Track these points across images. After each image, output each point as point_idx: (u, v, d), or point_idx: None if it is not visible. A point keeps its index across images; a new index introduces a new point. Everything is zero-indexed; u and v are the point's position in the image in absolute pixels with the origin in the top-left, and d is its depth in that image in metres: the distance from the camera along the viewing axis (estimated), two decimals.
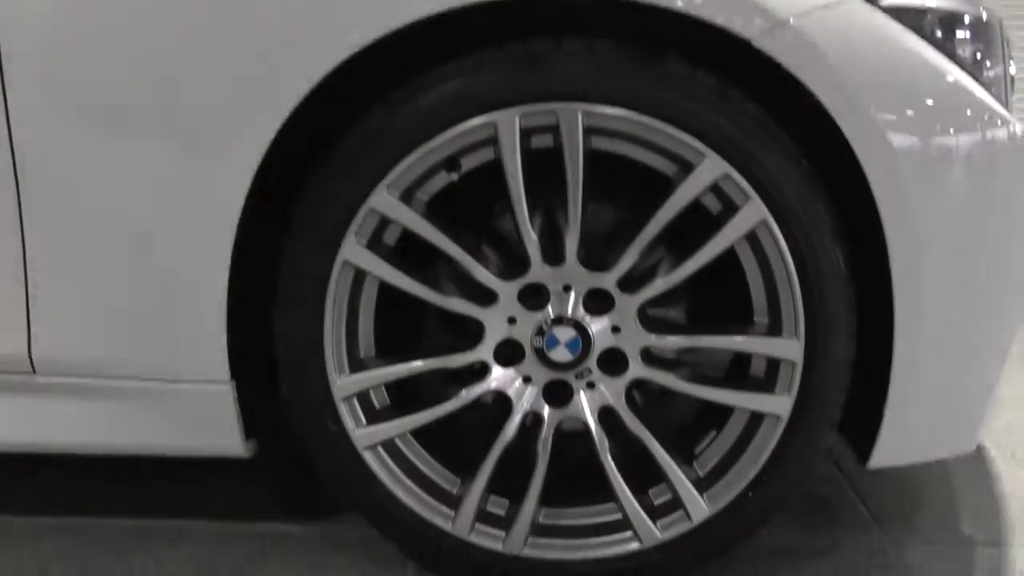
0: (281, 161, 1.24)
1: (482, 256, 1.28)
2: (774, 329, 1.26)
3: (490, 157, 1.25)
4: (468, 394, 1.31)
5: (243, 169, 1.22)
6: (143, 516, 1.62)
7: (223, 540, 1.54)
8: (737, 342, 1.29)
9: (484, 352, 1.30)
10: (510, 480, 1.36)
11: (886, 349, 1.26)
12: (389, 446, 1.35)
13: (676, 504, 1.34)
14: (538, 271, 1.26)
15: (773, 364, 1.28)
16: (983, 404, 1.37)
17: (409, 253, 1.31)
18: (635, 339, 1.28)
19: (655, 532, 1.33)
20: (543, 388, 1.32)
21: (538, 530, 1.36)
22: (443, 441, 1.41)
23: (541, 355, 1.28)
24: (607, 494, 1.35)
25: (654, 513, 1.35)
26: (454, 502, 1.36)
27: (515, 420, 1.32)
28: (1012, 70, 1.43)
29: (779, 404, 1.27)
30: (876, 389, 1.29)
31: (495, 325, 1.29)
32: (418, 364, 1.31)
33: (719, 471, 1.34)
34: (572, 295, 1.28)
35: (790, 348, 1.25)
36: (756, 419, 1.31)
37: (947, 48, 1.26)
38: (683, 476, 1.31)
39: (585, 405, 1.32)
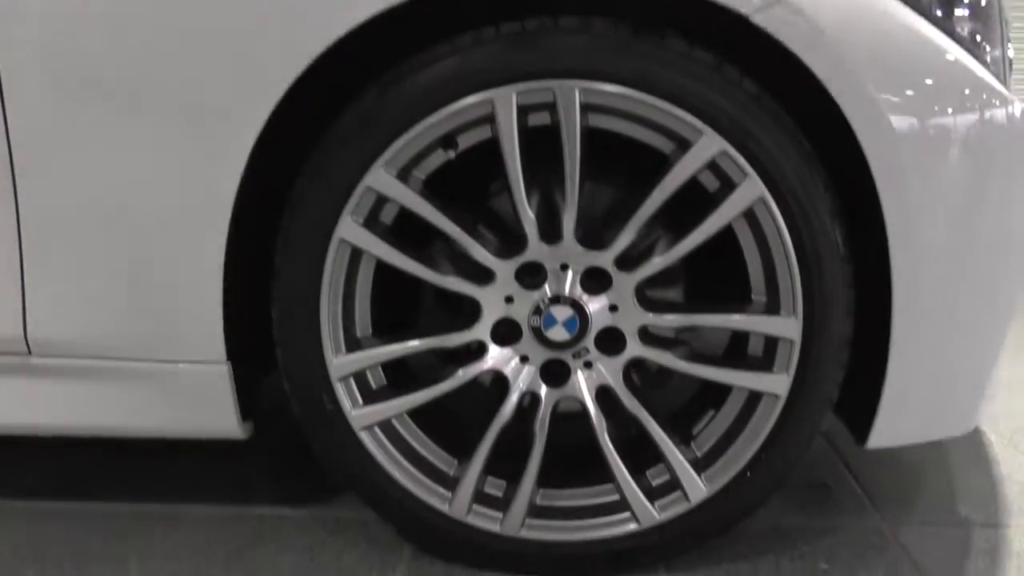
0: (278, 141, 1.24)
1: (479, 235, 1.27)
2: (772, 307, 1.26)
3: (487, 135, 1.25)
4: (465, 374, 1.31)
5: (239, 148, 1.21)
6: (139, 500, 1.61)
7: (220, 523, 1.53)
8: (735, 320, 1.28)
9: (481, 331, 1.30)
10: (507, 462, 1.36)
11: (884, 329, 1.26)
12: (386, 427, 1.35)
13: (674, 485, 1.33)
14: (535, 250, 1.26)
15: (771, 343, 1.28)
16: (981, 384, 1.36)
17: (406, 233, 1.30)
18: (633, 318, 1.28)
19: (653, 513, 1.33)
20: (540, 368, 1.32)
21: (535, 511, 1.36)
22: (440, 422, 1.41)
23: (538, 334, 1.28)
24: (605, 475, 1.35)
25: (652, 494, 1.35)
26: (451, 483, 1.36)
27: (512, 400, 1.31)
28: (1011, 52, 1.43)
29: (777, 383, 1.27)
30: (874, 369, 1.29)
31: (492, 304, 1.29)
32: (415, 343, 1.30)
33: (717, 451, 1.34)
34: (569, 274, 1.27)
35: (788, 326, 1.24)
36: (754, 398, 1.30)
37: (946, 27, 1.25)
38: (681, 456, 1.31)
39: (582, 385, 1.31)
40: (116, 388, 1.34)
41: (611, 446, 1.32)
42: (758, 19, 1.15)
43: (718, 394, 1.35)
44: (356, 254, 1.28)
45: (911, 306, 1.24)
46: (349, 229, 1.24)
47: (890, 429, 1.32)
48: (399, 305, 1.40)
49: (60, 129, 1.24)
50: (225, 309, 1.28)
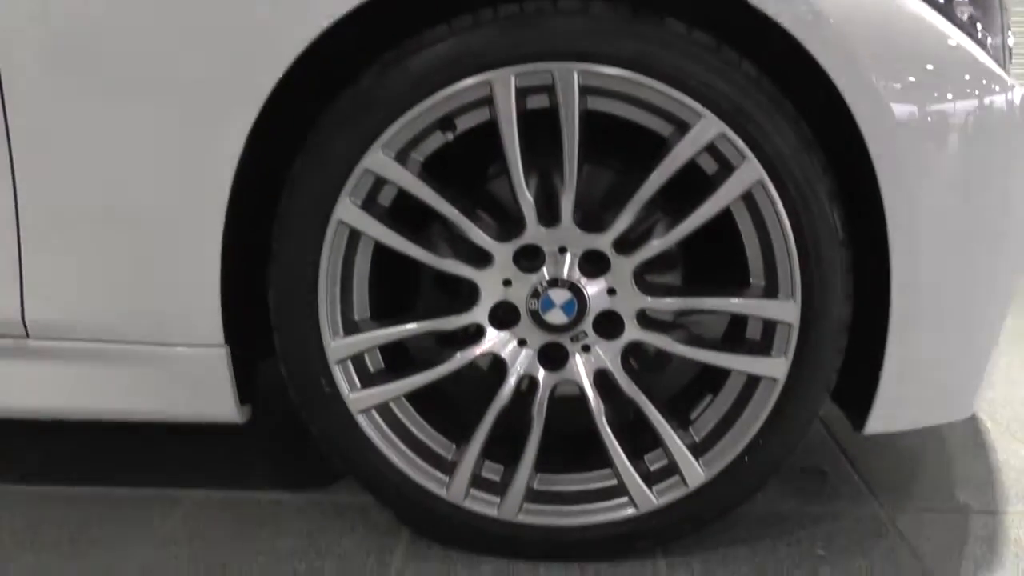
0: (276, 123, 1.24)
1: (477, 218, 1.27)
2: (770, 291, 1.26)
3: (486, 118, 1.25)
4: (463, 357, 1.31)
5: (237, 130, 1.21)
6: (137, 484, 1.62)
7: (218, 507, 1.53)
8: (733, 304, 1.28)
9: (479, 314, 1.30)
10: (505, 446, 1.36)
11: (882, 314, 1.26)
12: (384, 410, 1.35)
13: (672, 469, 1.34)
14: (533, 232, 1.26)
15: (769, 326, 1.28)
16: (979, 370, 1.36)
17: (405, 216, 1.30)
18: (631, 301, 1.28)
19: (651, 498, 1.33)
20: (538, 351, 1.32)
21: (533, 496, 1.36)
22: (438, 407, 1.41)
23: (536, 317, 1.28)
24: (602, 460, 1.35)
25: (650, 479, 1.35)
26: (449, 467, 1.36)
27: (510, 383, 1.31)
28: (1010, 41, 1.43)
29: (775, 367, 1.27)
30: (872, 355, 1.29)
31: (490, 287, 1.29)
32: (413, 326, 1.30)
33: (715, 436, 1.34)
34: (568, 257, 1.27)
35: (786, 310, 1.24)
36: (752, 382, 1.30)
37: (947, 12, 1.25)
38: (679, 441, 1.31)
39: (580, 368, 1.31)
40: (114, 371, 1.34)
41: (609, 430, 1.32)
42: (759, 3, 1.15)
43: (716, 379, 1.35)
44: (354, 236, 1.28)
45: (909, 291, 1.24)
46: (347, 211, 1.24)
47: (887, 415, 1.32)
48: (397, 289, 1.39)
49: (57, 113, 1.23)
50: (223, 292, 1.28)
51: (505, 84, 1.19)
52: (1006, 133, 1.26)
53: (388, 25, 1.24)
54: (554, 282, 1.27)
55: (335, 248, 1.26)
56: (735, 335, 1.36)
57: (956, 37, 1.23)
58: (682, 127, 1.21)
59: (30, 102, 1.23)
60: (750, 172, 1.20)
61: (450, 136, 1.26)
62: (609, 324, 1.29)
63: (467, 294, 1.31)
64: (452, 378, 1.34)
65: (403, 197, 1.27)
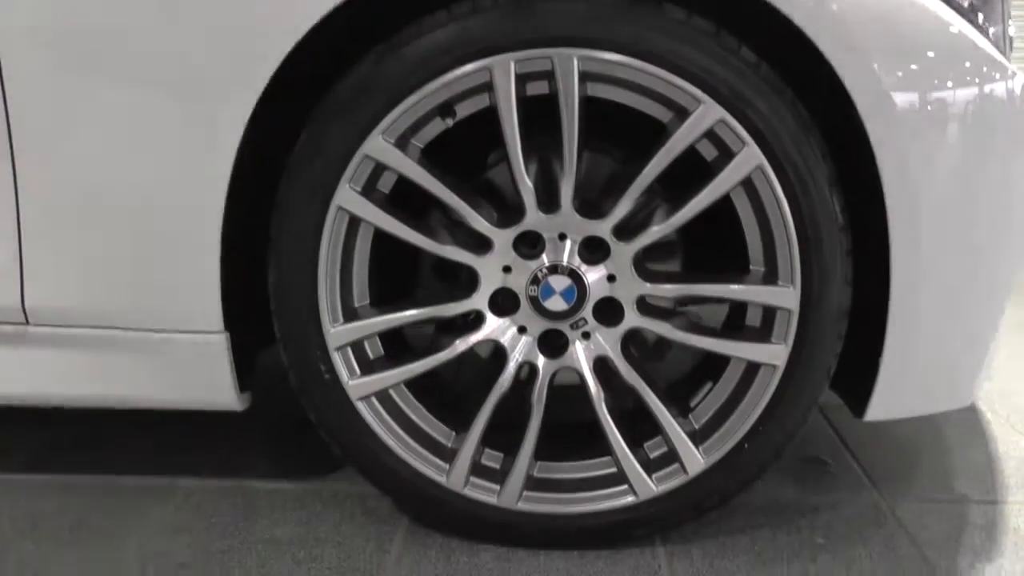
0: (275, 109, 1.24)
1: (477, 204, 1.27)
2: (770, 277, 1.26)
3: (485, 104, 1.25)
4: (462, 344, 1.31)
5: (236, 116, 1.21)
6: (136, 473, 1.62)
7: (216, 496, 1.54)
8: (733, 290, 1.28)
9: (479, 301, 1.30)
10: (505, 434, 1.36)
11: (882, 301, 1.26)
12: (383, 398, 1.35)
13: (672, 457, 1.34)
14: (533, 218, 1.26)
15: (769, 313, 1.28)
16: (979, 358, 1.36)
17: (404, 204, 1.30)
18: (631, 288, 1.28)
19: (651, 485, 1.33)
20: (538, 338, 1.32)
21: (533, 484, 1.36)
22: (438, 395, 1.41)
23: (536, 304, 1.28)
24: (602, 448, 1.35)
25: (649, 466, 1.35)
26: (448, 455, 1.36)
27: (509, 370, 1.31)
28: (1011, 30, 1.43)
29: (775, 353, 1.27)
30: (872, 342, 1.29)
31: (490, 274, 1.29)
32: (412, 313, 1.30)
33: (715, 423, 1.34)
34: (568, 243, 1.27)
35: (786, 296, 1.24)
36: (752, 369, 1.30)
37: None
38: (679, 428, 1.31)
39: (580, 355, 1.31)
40: (113, 358, 1.34)
41: (609, 417, 1.32)
42: None
43: (716, 366, 1.35)
44: (354, 223, 1.28)
45: (909, 277, 1.24)
46: (347, 197, 1.24)
47: (888, 402, 1.32)
48: (396, 276, 1.40)
49: (57, 100, 1.23)
50: (223, 279, 1.28)
51: (505, 70, 1.19)
52: (1007, 120, 1.26)
53: (388, 12, 1.24)
54: (554, 268, 1.27)
55: (334, 234, 1.26)
56: (735, 323, 1.36)
57: (957, 24, 1.22)
58: (681, 113, 1.21)
59: (31, 90, 1.23)
60: (750, 158, 1.20)
61: (450, 122, 1.26)
62: (609, 311, 1.29)
63: (466, 281, 1.31)
64: (452, 366, 1.34)
65: (403, 184, 1.27)
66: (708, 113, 1.18)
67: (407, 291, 1.51)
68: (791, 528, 1.44)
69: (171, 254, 1.28)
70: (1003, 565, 1.34)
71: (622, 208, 1.24)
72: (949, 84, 1.21)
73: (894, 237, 1.22)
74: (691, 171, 1.24)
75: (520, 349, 1.32)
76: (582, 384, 1.33)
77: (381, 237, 1.30)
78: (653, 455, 1.36)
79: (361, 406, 1.32)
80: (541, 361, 1.32)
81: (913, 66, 1.20)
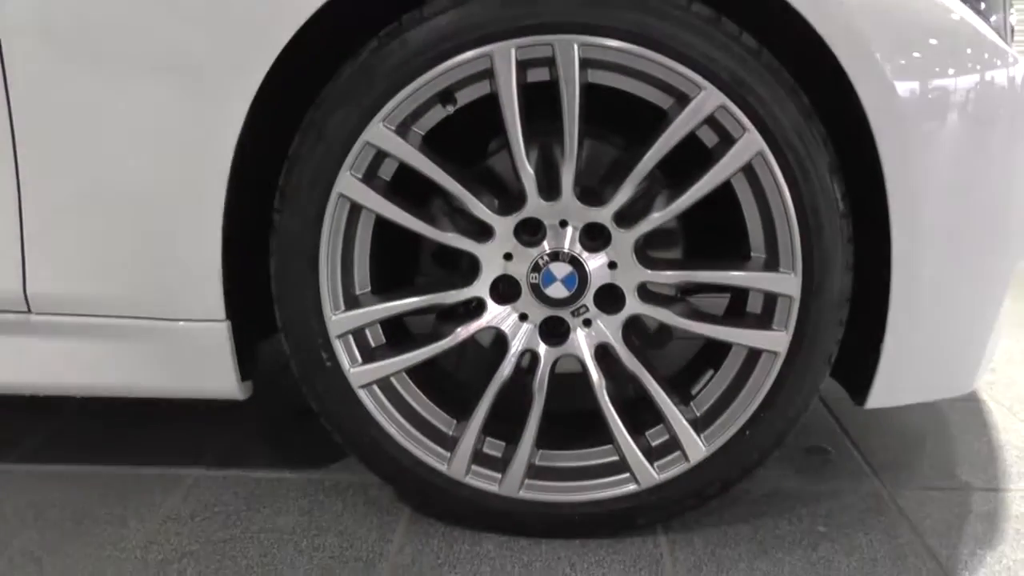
0: (276, 96, 1.24)
1: (478, 191, 1.27)
2: (771, 264, 1.26)
3: (486, 91, 1.25)
4: (464, 331, 1.31)
5: (237, 103, 1.21)
6: (138, 463, 1.62)
7: (218, 485, 1.54)
8: (734, 277, 1.28)
9: (480, 288, 1.30)
10: (506, 423, 1.36)
11: (883, 288, 1.26)
12: (385, 386, 1.35)
13: (673, 445, 1.34)
14: (534, 205, 1.26)
15: (770, 300, 1.28)
16: (981, 344, 1.36)
17: (406, 191, 1.30)
18: (632, 275, 1.28)
19: (652, 473, 1.33)
20: (539, 325, 1.32)
21: (534, 472, 1.36)
22: (439, 382, 1.41)
23: (537, 291, 1.28)
24: (604, 436, 1.35)
25: (651, 454, 1.35)
26: (450, 443, 1.36)
27: (511, 358, 1.31)
28: (1012, 19, 1.43)
29: (776, 340, 1.27)
30: (873, 329, 1.29)
31: (491, 261, 1.29)
32: (414, 300, 1.30)
33: (716, 410, 1.34)
34: (569, 230, 1.27)
35: (787, 283, 1.24)
36: (753, 356, 1.30)
37: None
38: (680, 415, 1.31)
39: (582, 343, 1.31)
40: (116, 346, 1.34)
41: (610, 405, 1.32)
42: None
43: (717, 354, 1.35)
44: (355, 210, 1.28)
45: (910, 264, 1.24)
46: (348, 184, 1.24)
47: (889, 389, 1.32)
48: (398, 264, 1.40)
49: (59, 86, 1.24)
50: (224, 267, 1.28)
51: (506, 57, 1.19)
52: (1009, 107, 1.26)
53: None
54: (555, 255, 1.27)
55: (336, 222, 1.26)
56: (736, 310, 1.36)
57: (959, 11, 1.22)
58: (682, 99, 1.21)
59: (33, 79, 1.24)
60: (750, 144, 1.20)
61: (450, 109, 1.26)
62: (610, 298, 1.29)
63: (468, 268, 1.31)
64: (453, 354, 1.34)
65: (404, 172, 1.27)
66: (709, 99, 1.18)
67: (408, 279, 1.51)
68: (793, 516, 1.45)
69: (172, 242, 1.28)
70: (1004, 552, 1.34)
71: (623, 195, 1.24)
72: (951, 71, 1.21)
73: (895, 223, 1.22)
74: (692, 158, 1.24)
75: (521, 336, 1.32)
76: (583, 372, 1.33)
77: (382, 225, 1.30)
78: (655, 443, 1.36)
79: (363, 394, 1.32)
80: (542, 349, 1.32)
81: (915, 53, 1.19)
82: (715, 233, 1.40)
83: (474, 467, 1.36)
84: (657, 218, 1.24)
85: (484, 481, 1.36)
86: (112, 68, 1.23)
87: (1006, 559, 1.33)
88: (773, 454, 1.35)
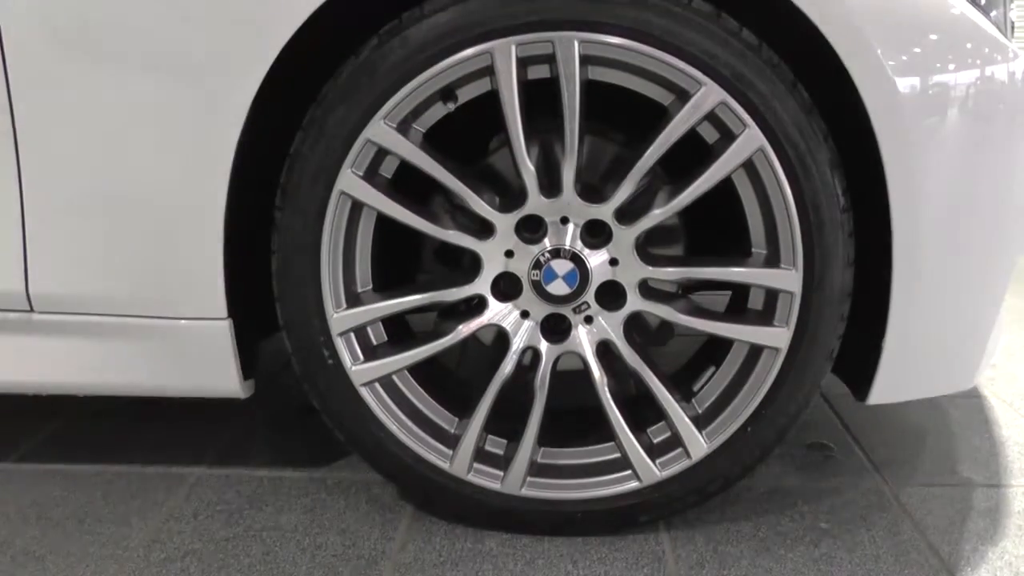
0: (278, 95, 1.24)
1: (479, 189, 1.27)
2: (772, 260, 1.26)
3: (487, 88, 1.25)
4: (465, 329, 1.31)
5: (238, 102, 1.21)
6: (141, 462, 1.62)
7: (221, 484, 1.54)
8: (735, 273, 1.28)
9: (481, 286, 1.30)
10: (509, 421, 1.36)
11: (884, 284, 1.26)
12: (387, 383, 1.35)
13: (675, 442, 1.34)
14: (535, 203, 1.26)
15: (771, 296, 1.28)
16: (982, 340, 1.36)
17: (407, 189, 1.30)
18: (633, 271, 1.28)
19: (654, 470, 1.33)
20: (540, 323, 1.32)
21: (536, 470, 1.36)
22: (441, 380, 1.41)
23: (539, 288, 1.28)
24: (606, 433, 1.35)
25: (653, 451, 1.35)
26: (452, 441, 1.36)
27: (512, 355, 1.31)
28: (1013, 15, 1.43)
29: (777, 336, 1.27)
30: (874, 325, 1.29)
31: (492, 258, 1.29)
32: (415, 298, 1.30)
33: (718, 407, 1.34)
34: (570, 227, 1.27)
35: (788, 279, 1.24)
36: (755, 353, 1.31)
37: None
38: (682, 412, 1.31)
39: (583, 339, 1.31)
40: (118, 345, 1.35)
41: (612, 402, 1.32)
42: None
43: (719, 350, 1.35)
44: (356, 208, 1.28)
45: (911, 260, 1.24)
46: (349, 182, 1.24)
47: (890, 385, 1.32)
48: (399, 262, 1.40)
49: (61, 86, 1.24)
50: (226, 265, 1.28)
51: (506, 54, 1.19)
52: (1010, 102, 1.26)
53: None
54: (556, 252, 1.27)
55: (337, 219, 1.26)
56: (738, 306, 1.36)
57: (960, 6, 1.22)
58: (682, 96, 1.21)
59: (34, 78, 1.24)
60: (751, 140, 1.20)
61: (451, 107, 1.26)
62: (611, 295, 1.30)
63: (469, 266, 1.31)
64: (455, 351, 1.34)
65: (405, 170, 1.27)
66: (709, 95, 1.19)
67: (410, 277, 1.51)
68: (795, 513, 1.45)
69: (174, 240, 1.28)
70: (1007, 548, 1.34)
71: (624, 191, 1.24)
72: (952, 66, 1.21)
73: (896, 219, 1.22)
74: (693, 154, 1.25)
75: (523, 334, 1.32)
76: (585, 369, 1.33)
77: (383, 222, 1.30)
78: (656, 440, 1.36)
79: (364, 392, 1.33)
80: (544, 346, 1.32)
81: (915, 48, 1.20)
82: (716, 229, 1.40)
83: (476, 465, 1.36)
84: (658, 215, 1.24)
85: (486, 479, 1.36)
86: (113, 67, 1.23)
87: (1008, 555, 1.33)
88: (775, 451, 1.35)
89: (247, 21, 1.20)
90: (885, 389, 1.32)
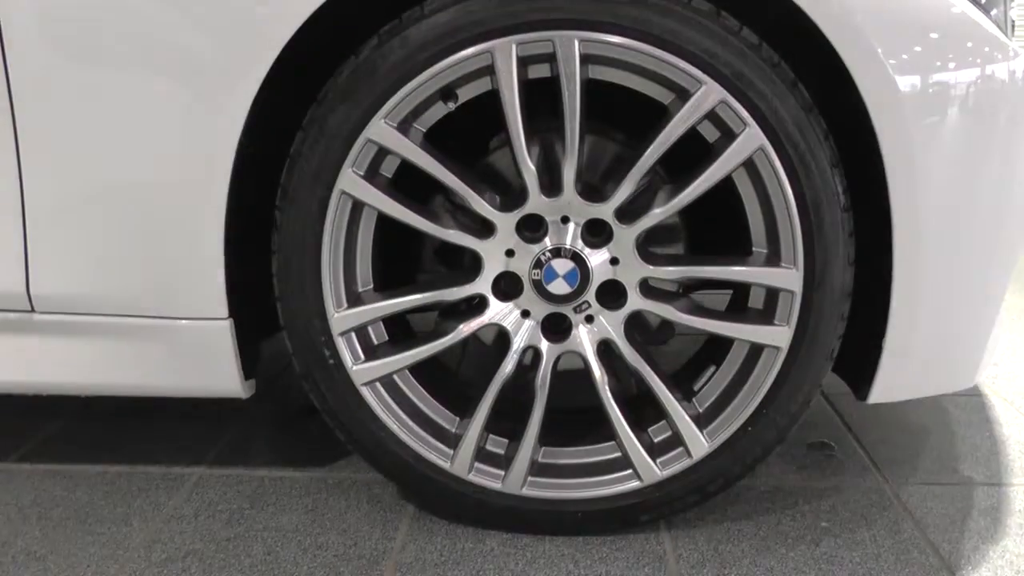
0: (278, 95, 1.24)
1: (480, 188, 1.27)
2: (772, 259, 1.26)
3: (487, 87, 1.25)
4: (466, 328, 1.31)
5: (239, 102, 1.21)
6: (142, 462, 1.62)
7: (222, 484, 1.54)
8: (735, 272, 1.28)
9: (482, 285, 1.30)
10: (509, 420, 1.36)
11: (885, 283, 1.26)
12: (388, 383, 1.35)
13: (676, 441, 1.34)
14: (536, 202, 1.26)
15: (772, 295, 1.28)
16: (983, 339, 1.36)
17: (408, 189, 1.30)
18: (633, 270, 1.28)
19: (655, 470, 1.33)
20: (541, 322, 1.32)
21: (537, 469, 1.36)
22: (442, 380, 1.41)
23: (539, 288, 1.28)
24: (606, 433, 1.35)
25: (654, 450, 1.35)
26: (453, 441, 1.36)
27: (513, 355, 1.31)
28: (1013, 13, 1.43)
29: (778, 335, 1.27)
30: (875, 324, 1.29)
31: (493, 258, 1.29)
32: (416, 297, 1.30)
33: (719, 406, 1.34)
34: (570, 226, 1.27)
35: (789, 278, 1.24)
36: (755, 351, 1.31)
37: None
38: (683, 411, 1.31)
39: (584, 339, 1.31)
40: (119, 345, 1.35)
41: (613, 401, 1.32)
42: None
43: (719, 349, 1.35)
44: (357, 207, 1.28)
45: (912, 257, 1.24)
46: (350, 182, 1.24)
47: (891, 384, 1.32)
48: (400, 262, 1.40)
49: (62, 86, 1.24)
50: (227, 265, 1.28)
51: (506, 53, 1.19)
52: (1010, 100, 1.26)
53: None
54: (557, 252, 1.27)
55: (338, 219, 1.27)
56: (738, 305, 1.36)
57: (960, 5, 1.22)
58: (683, 94, 1.21)
59: (35, 77, 1.24)
60: (751, 139, 1.20)
61: (451, 106, 1.26)
62: (612, 294, 1.30)
63: (470, 265, 1.31)
64: (456, 351, 1.33)
65: (406, 169, 1.27)
66: (709, 94, 1.19)
67: (410, 276, 1.51)
68: (795, 512, 1.45)
69: (175, 240, 1.28)
70: (1007, 547, 1.34)
71: (624, 190, 1.24)
72: (952, 65, 1.21)
73: (896, 217, 1.22)
74: (694, 153, 1.25)
75: (523, 333, 1.32)
76: (586, 368, 1.33)
77: (384, 222, 1.30)
78: (657, 439, 1.36)
79: (365, 392, 1.33)
80: (544, 345, 1.32)
81: (916, 47, 1.19)
82: (717, 228, 1.40)
83: (477, 464, 1.36)
84: (659, 214, 1.24)
85: (487, 478, 1.36)
86: (114, 67, 1.23)
87: (1009, 554, 1.33)
88: (775, 450, 1.35)
89: (247, 21, 1.20)
90: (886, 388, 1.32)
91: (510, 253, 1.28)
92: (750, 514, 1.44)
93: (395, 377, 1.35)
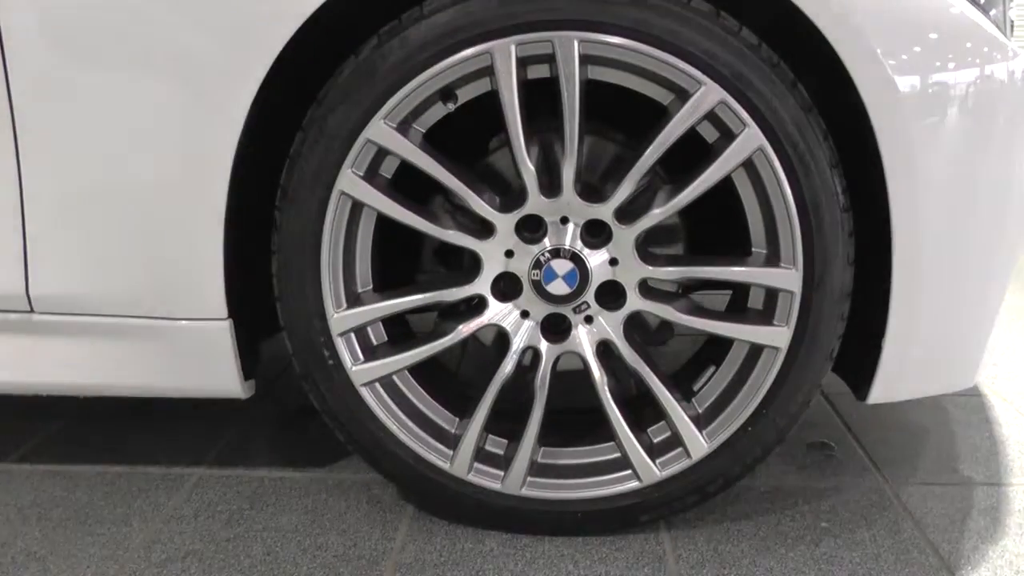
0: (278, 95, 1.24)
1: (479, 189, 1.27)
2: (772, 260, 1.26)
3: (487, 88, 1.25)
4: (465, 328, 1.31)
5: (239, 102, 1.21)
6: (141, 463, 1.62)
7: (221, 485, 1.54)
8: (735, 272, 1.28)
9: (482, 286, 1.30)
10: (509, 421, 1.36)
11: (884, 283, 1.26)
12: (387, 384, 1.35)
13: (675, 442, 1.34)
14: (535, 202, 1.26)
15: (771, 295, 1.28)
16: (982, 339, 1.36)
17: (407, 190, 1.30)
18: (633, 271, 1.28)
19: (654, 470, 1.33)
20: (541, 322, 1.32)
21: (537, 469, 1.36)
22: (441, 381, 1.41)
23: (539, 288, 1.28)
24: (606, 433, 1.35)
25: (653, 451, 1.35)
26: (452, 441, 1.36)
27: (512, 355, 1.31)
28: (1012, 13, 1.43)
29: (777, 336, 1.27)
30: (874, 324, 1.29)
31: (492, 258, 1.29)
32: (415, 298, 1.30)
33: (718, 407, 1.34)
34: (570, 227, 1.27)
35: (788, 278, 1.24)
36: (755, 352, 1.31)
37: None
38: (682, 412, 1.31)
39: (583, 339, 1.31)
40: (118, 346, 1.35)
41: (612, 402, 1.32)
42: None
43: (719, 350, 1.35)
44: (356, 208, 1.28)
45: (911, 259, 1.24)
46: (349, 182, 1.24)
47: (891, 384, 1.32)
48: (399, 262, 1.40)
49: (61, 86, 1.24)
50: (226, 266, 1.28)
51: (506, 54, 1.19)
52: (1009, 101, 1.26)
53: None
54: (556, 252, 1.27)
55: (337, 219, 1.26)
56: (738, 306, 1.36)
57: (959, 5, 1.22)
58: (682, 95, 1.21)
59: (35, 78, 1.24)
60: (751, 139, 1.19)
61: (451, 107, 1.26)
62: (611, 294, 1.30)
63: (469, 266, 1.31)
64: (455, 352, 1.33)
65: (406, 170, 1.27)
66: (709, 95, 1.18)
67: (410, 277, 1.51)
68: (795, 513, 1.45)
69: (174, 241, 1.28)
70: (1007, 547, 1.34)
71: (624, 191, 1.24)
72: (951, 65, 1.21)
73: (896, 218, 1.22)
74: (693, 153, 1.25)
75: (523, 334, 1.32)
76: (585, 369, 1.33)
77: (383, 222, 1.30)
78: (657, 440, 1.36)
79: (365, 392, 1.33)
80: (544, 346, 1.32)
81: (915, 47, 1.19)
82: (716, 229, 1.40)
83: (477, 465, 1.36)
84: (658, 214, 1.24)
85: (487, 479, 1.36)
86: (114, 67, 1.23)
87: (1008, 553, 1.33)
88: (775, 450, 1.35)
89: (247, 21, 1.20)
90: (885, 388, 1.32)
91: (509, 254, 1.28)
92: (750, 514, 1.44)
93: (394, 378, 1.35)
